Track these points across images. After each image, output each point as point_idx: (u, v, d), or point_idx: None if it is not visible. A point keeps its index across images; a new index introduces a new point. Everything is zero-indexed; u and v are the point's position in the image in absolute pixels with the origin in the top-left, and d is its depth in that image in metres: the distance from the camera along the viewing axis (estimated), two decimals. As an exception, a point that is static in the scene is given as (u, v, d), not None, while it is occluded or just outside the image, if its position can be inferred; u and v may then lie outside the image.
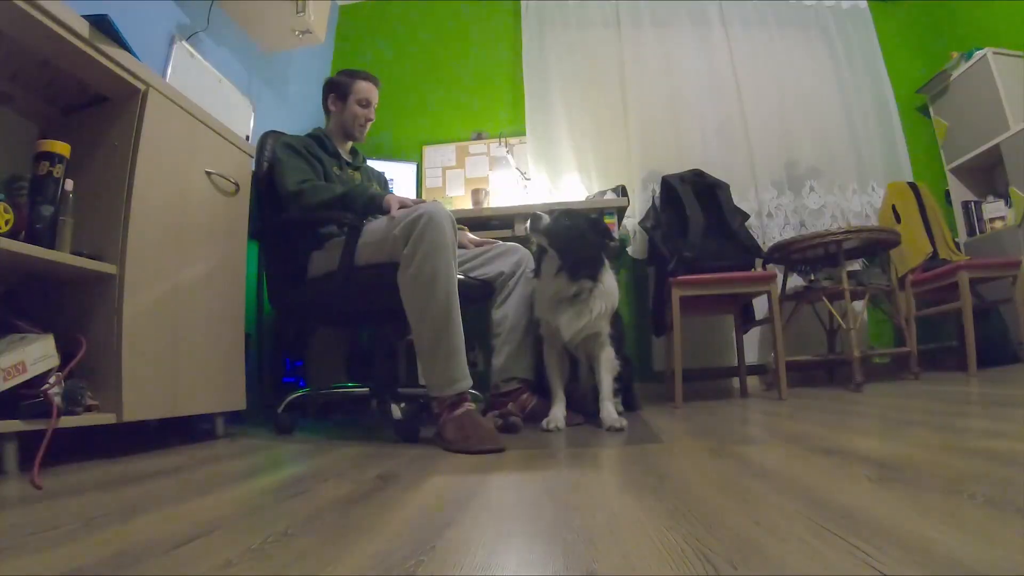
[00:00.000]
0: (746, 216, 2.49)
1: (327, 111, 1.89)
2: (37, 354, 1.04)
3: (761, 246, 2.51)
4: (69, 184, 1.16)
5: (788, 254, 2.36)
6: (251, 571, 0.49)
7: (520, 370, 1.74)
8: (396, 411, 1.47)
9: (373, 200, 1.49)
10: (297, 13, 2.20)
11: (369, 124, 1.88)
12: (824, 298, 2.31)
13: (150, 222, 1.29)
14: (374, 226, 1.48)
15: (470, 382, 1.33)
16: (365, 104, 1.84)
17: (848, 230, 2.16)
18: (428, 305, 1.31)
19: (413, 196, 2.59)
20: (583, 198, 2.68)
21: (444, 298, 1.31)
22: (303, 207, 1.55)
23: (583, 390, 1.75)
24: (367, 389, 1.82)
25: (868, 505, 0.60)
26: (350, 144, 1.92)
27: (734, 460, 0.93)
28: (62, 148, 1.14)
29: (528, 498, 0.74)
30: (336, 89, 1.86)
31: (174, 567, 0.50)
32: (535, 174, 2.99)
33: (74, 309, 1.22)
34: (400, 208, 1.43)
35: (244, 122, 2.31)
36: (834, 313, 2.38)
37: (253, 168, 1.74)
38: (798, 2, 3.15)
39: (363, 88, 1.84)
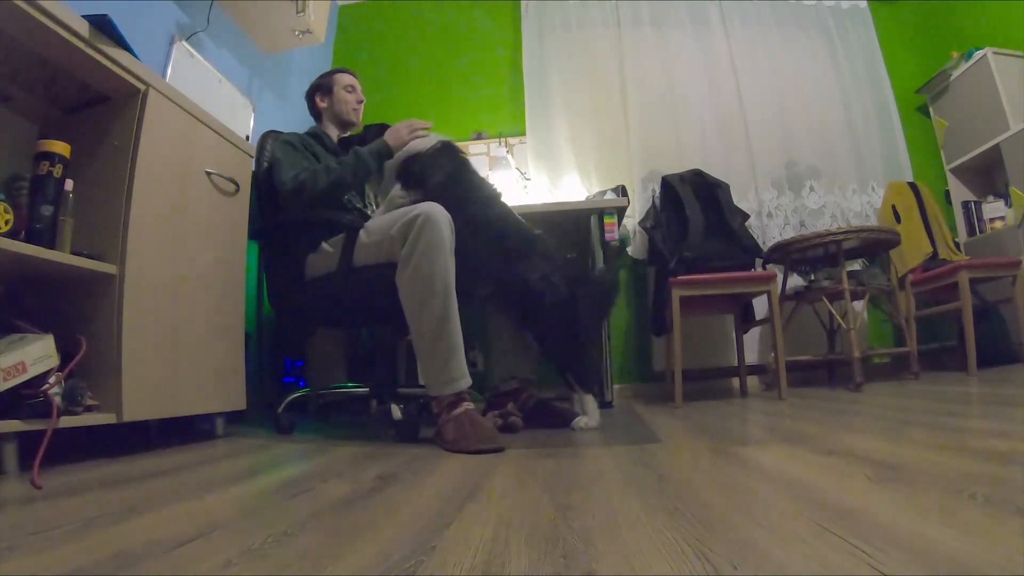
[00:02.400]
0: (746, 216, 2.49)
1: (317, 113, 1.94)
2: (37, 354, 1.03)
3: (761, 246, 2.51)
4: (69, 184, 1.16)
5: (788, 254, 2.36)
6: (251, 571, 0.49)
7: (520, 369, 1.74)
8: (396, 411, 1.47)
9: (378, 153, 1.58)
10: (297, 13, 2.20)
11: (361, 105, 1.95)
12: (824, 298, 2.31)
13: (150, 222, 1.29)
14: (373, 226, 1.48)
15: (469, 381, 1.33)
16: (351, 89, 1.92)
17: (848, 230, 2.16)
18: (426, 304, 1.31)
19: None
20: (583, 198, 2.68)
21: (442, 297, 1.31)
22: (312, 195, 1.52)
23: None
24: (367, 389, 1.82)
25: (868, 505, 0.60)
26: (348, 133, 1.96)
27: (734, 460, 0.93)
28: (62, 148, 1.14)
29: (528, 498, 0.74)
30: (319, 88, 1.93)
31: (174, 567, 0.50)
32: (535, 174, 2.99)
33: (74, 309, 1.22)
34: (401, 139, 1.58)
35: (244, 122, 2.31)
36: (834, 313, 2.38)
37: (253, 168, 1.74)
38: (798, 2, 3.15)
39: (343, 77, 1.93)
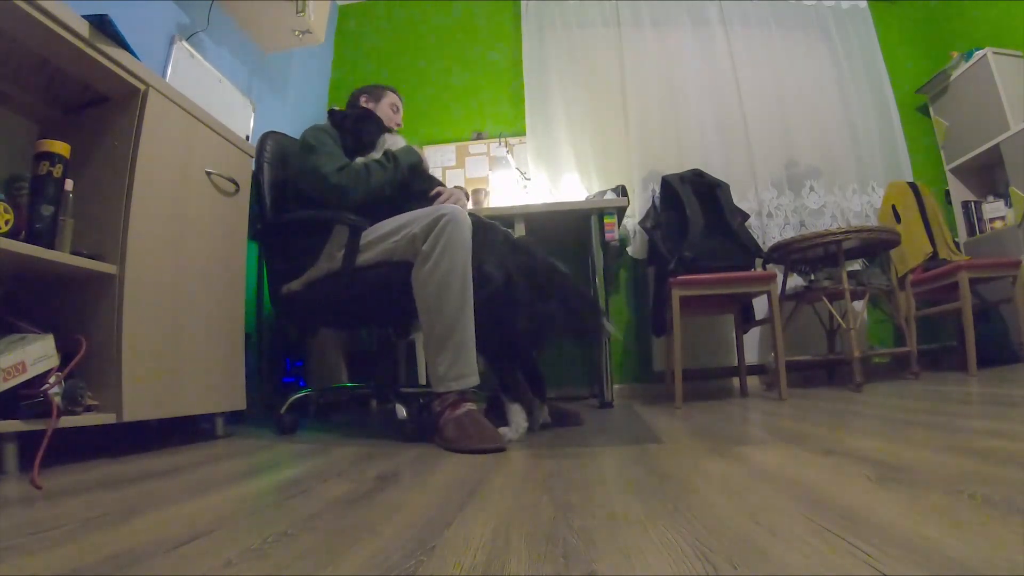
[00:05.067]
0: (746, 216, 2.49)
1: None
2: (37, 354, 1.04)
3: (761, 246, 2.51)
4: (69, 184, 1.16)
5: (788, 254, 2.36)
6: (251, 571, 0.49)
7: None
8: (401, 411, 1.47)
9: (413, 167, 1.63)
10: (297, 13, 2.20)
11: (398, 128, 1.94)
12: (824, 298, 2.31)
13: (150, 222, 1.29)
14: (388, 224, 1.47)
15: (477, 380, 1.34)
16: (395, 109, 1.94)
17: (848, 230, 2.16)
18: (442, 300, 1.32)
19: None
20: (583, 198, 2.68)
21: (459, 294, 1.32)
22: (351, 195, 1.51)
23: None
24: (368, 389, 1.82)
25: (868, 505, 0.60)
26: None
27: (734, 460, 0.93)
28: (62, 148, 1.14)
29: (528, 498, 0.74)
30: (369, 92, 1.93)
31: (174, 567, 0.50)
32: (535, 174, 2.99)
33: (74, 309, 1.22)
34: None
35: (244, 122, 2.31)
36: (834, 313, 2.38)
37: (253, 168, 1.75)
38: (798, 2, 3.15)
39: (395, 98, 1.96)
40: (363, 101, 1.91)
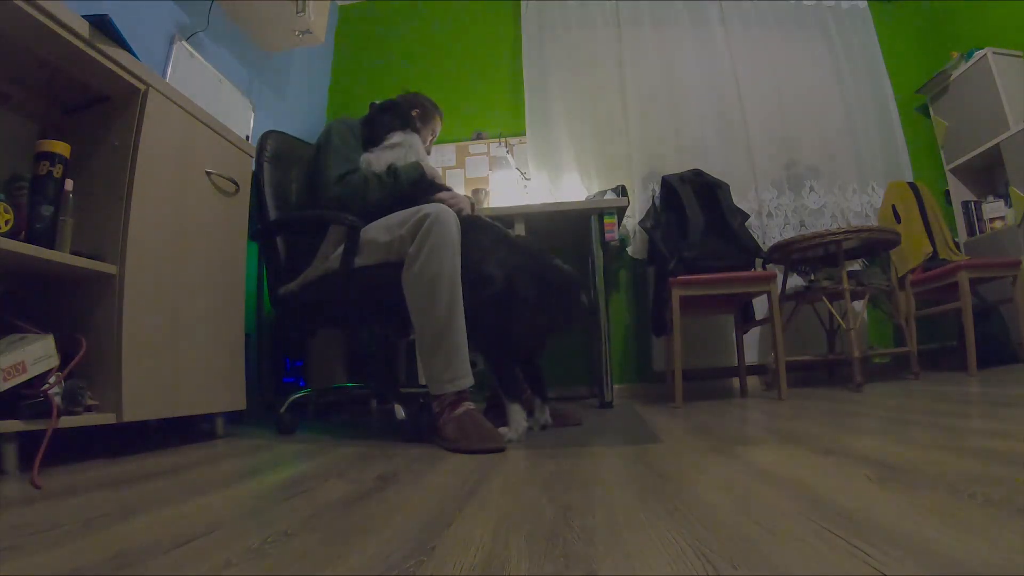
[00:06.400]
0: (746, 216, 2.49)
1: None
2: (37, 354, 1.04)
3: (761, 246, 2.51)
4: (69, 184, 1.16)
5: (788, 254, 2.36)
6: (251, 571, 0.49)
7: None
8: (400, 411, 1.46)
9: (413, 182, 1.56)
10: (297, 13, 2.21)
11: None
12: (824, 298, 2.31)
13: (150, 222, 1.29)
14: (379, 225, 1.47)
15: (471, 380, 1.33)
16: (432, 139, 1.93)
17: (848, 230, 2.16)
18: (432, 302, 1.32)
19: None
20: (583, 198, 2.68)
21: (448, 295, 1.32)
22: (350, 204, 1.49)
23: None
24: (367, 389, 1.82)
25: (868, 505, 0.60)
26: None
27: (734, 460, 0.93)
28: (62, 148, 1.14)
29: (528, 498, 0.74)
30: (424, 109, 1.89)
31: (174, 567, 0.50)
32: (535, 174, 2.99)
33: (74, 309, 1.22)
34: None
35: (244, 122, 2.31)
36: (834, 313, 2.38)
37: (253, 168, 1.75)
38: (798, 2, 3.15)
39: (438, 127, 1.93)
40: (415, 115, 1.83)
